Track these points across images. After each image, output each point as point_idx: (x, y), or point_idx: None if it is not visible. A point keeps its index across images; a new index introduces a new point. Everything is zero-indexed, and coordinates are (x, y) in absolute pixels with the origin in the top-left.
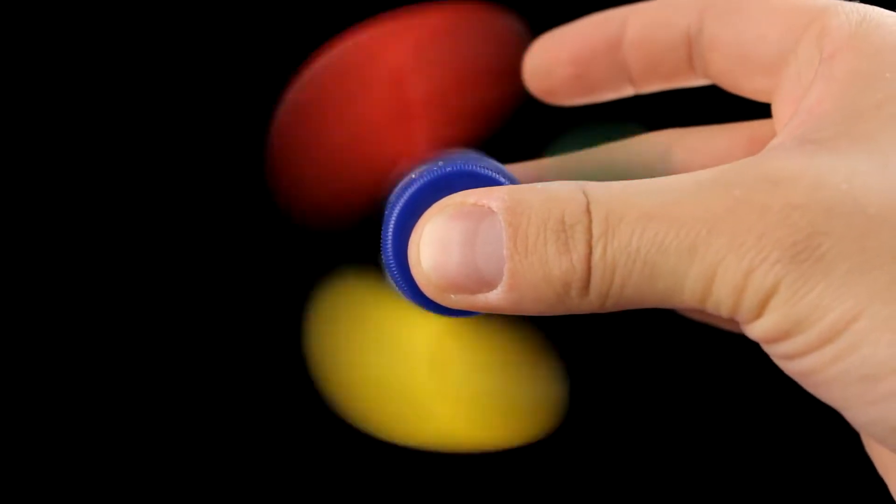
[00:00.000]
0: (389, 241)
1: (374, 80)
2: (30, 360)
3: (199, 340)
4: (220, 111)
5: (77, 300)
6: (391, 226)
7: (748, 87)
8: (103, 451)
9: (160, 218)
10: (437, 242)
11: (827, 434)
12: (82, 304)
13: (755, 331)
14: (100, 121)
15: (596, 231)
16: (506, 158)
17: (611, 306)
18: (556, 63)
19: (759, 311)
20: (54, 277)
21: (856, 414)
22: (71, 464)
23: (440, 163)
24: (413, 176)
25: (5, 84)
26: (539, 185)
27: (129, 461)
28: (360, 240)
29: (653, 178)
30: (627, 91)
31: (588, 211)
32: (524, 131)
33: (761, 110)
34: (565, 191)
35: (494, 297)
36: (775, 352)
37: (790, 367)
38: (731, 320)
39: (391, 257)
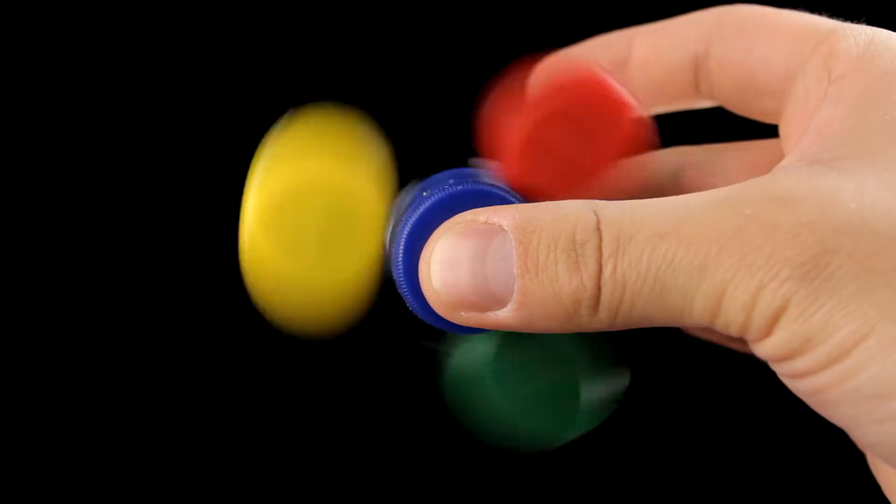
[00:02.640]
0: (400, 259)
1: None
2: (29, 360)
3: (193, 337)
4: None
5: (73, 298)
6: (402, 243)
7: (755, 108)
8: (100, 450)
9: (156, 215)
10: (447, 260)
11: (830, 456)
12: (79, 303)
13: (764, 349)
14: (108, 111)
15: (606, 250)
16: None
17: (620, 324)
18: None
19: (769, 330)
20: (54, 277)
21: (863, 433)
22: (69, 464)
23: (451, 181)
24: (424, 194)
25: (5, 84)
26: (549, 204)
27: (125, 459)
28: None
29: (662, 198)
30: None
31: (598, 229)
32: None
33: (765, 132)
34: (576, 209)
35: (504, 315)
36: (783, 370)
37: (798, 386)
38: (740, 339)
39: (402, 274)
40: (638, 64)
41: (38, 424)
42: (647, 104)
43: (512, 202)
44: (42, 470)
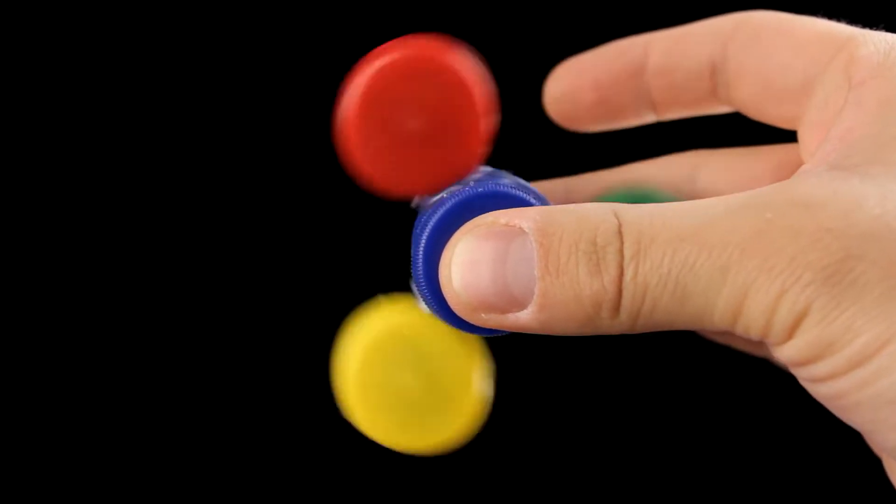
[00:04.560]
0: (420, 261)
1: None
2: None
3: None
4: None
5: (78, 299)
6: (422, 245)
7: (773, 114)
8: (103, 451)
9: (169, 216)
10: (467, 262)
11: (844, 461)
12: (83, 304)
13: (785, 353)
14: (110, 113)
15: (627, 253)
16: (532, 176)
17: (641, 328)
18: (577, 89)
19: (790, 334)
20: (58, 278)
21: (884, 438)
22: (71, 464)
23: (471, 183)
24: (444, 196)
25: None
26: (570, 207)
27: (130, 461)
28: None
29: (683, 202)
30: (649, 118)
31: (620, 233)
32: (550, 148)
33: (783, 138)
34: (597, 212)
35: (525, 317)
36: (804, 375)
37: (818, 391)
38: (759, 343)
39: (422, 277)
40: (655, 70)
41: (39, 424)
42: (664, 109)
43: (533, 204)
44: (42, 470)
